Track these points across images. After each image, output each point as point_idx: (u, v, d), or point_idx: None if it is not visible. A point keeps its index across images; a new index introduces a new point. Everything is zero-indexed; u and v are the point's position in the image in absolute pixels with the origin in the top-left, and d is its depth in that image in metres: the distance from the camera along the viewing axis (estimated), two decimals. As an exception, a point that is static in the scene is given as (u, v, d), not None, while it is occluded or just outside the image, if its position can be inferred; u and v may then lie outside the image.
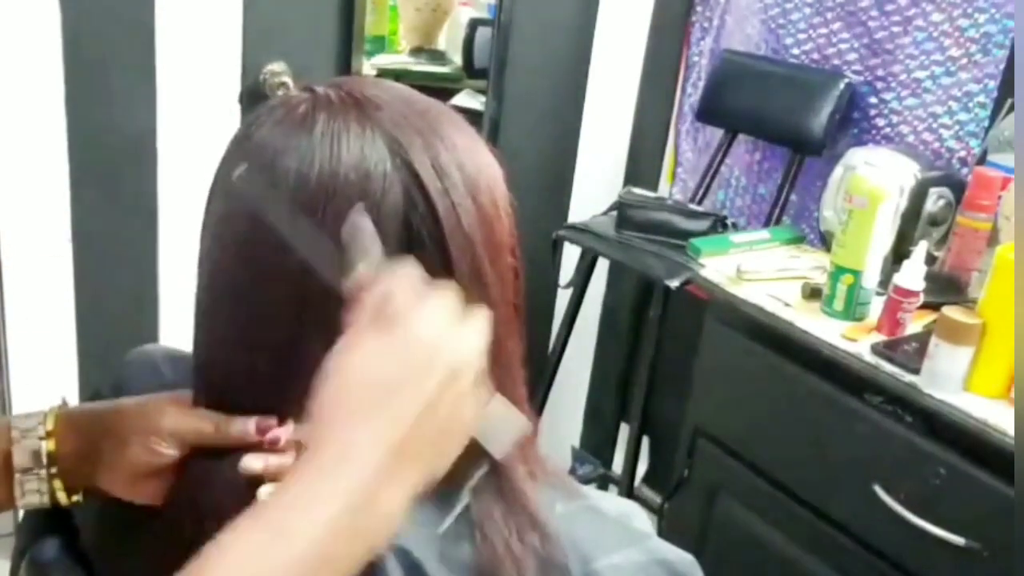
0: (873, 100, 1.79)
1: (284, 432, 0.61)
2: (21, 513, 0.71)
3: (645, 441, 2.15)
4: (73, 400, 1.82)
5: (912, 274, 1.31)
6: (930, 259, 1.40)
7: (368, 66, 2.01)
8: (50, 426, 0.65)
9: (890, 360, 1.27)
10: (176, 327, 1.80)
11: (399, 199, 0.59)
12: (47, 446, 0.64)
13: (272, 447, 0.61)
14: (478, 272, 0.61)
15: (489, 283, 0.62)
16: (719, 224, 1.81)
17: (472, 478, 0.61)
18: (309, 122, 0.60)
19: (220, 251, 0.63)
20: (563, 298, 2.14)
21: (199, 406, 0.64)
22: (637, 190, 1.93)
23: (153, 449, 0.62)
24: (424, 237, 0.59)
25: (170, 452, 0.62)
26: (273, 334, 0.61)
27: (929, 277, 1.33)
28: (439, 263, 0.59)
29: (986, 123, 1.60)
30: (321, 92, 0.62)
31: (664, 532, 1.71)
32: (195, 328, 0.65)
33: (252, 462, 0.60)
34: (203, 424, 0.63)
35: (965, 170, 1.61)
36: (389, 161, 0.59)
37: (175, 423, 0.63)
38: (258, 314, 0.61)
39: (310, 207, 0.58)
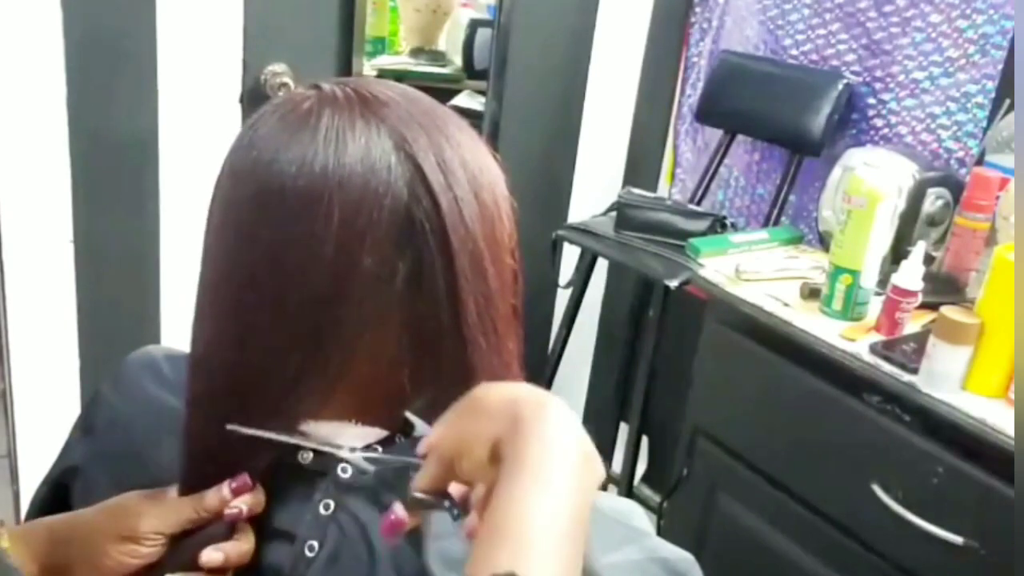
0: (872, 101, 1.79)
1: (244, 501, 0.61)
2: (24, 510, 0.71)
3: (644, 440, 2.15)
4: (74, 402, 1.81)
5: (910, 274, 1.31)
6: (928, 259, 1.41)
7: (368, 67, 2.01)
8: (4, 544, 0.62)
9: (888, 360, 1.28)
10: (177, 327, 1.80)
11: (403, 193, 0.59)
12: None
13: (234, 521, 0.61)
14: (479, 267, 0.61)
15: (489, 279, 0.62)
16: (718, 224, 1.82)
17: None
18: (314, 118, 0.60)
19: (222, 244, 0.63)
20: (563, 298, 2.14)
21: (192, 400, 0.65)
22: (636, 190, 1.94)
23: (137, 551, 0.61)
24: (427, 231, 0.60)
25: (155, 550, 0.61)
26: (274, 328, 0.61)
27: (927, 277, 1.33)
28: (441, 257, 0.60)
29: (984, 124, 1.60)
30: (327, 89, 0.63)
31: (663, 531, 1.72)
32: (194, 322, 0.65)
33: (212, 555, 0.60)
34: (183, 512, 0.62)
35: (963, 170, 1.61)
36: (394, 155, 0.59)
37: (156, 523, 0.61)
38: (259, 308, 0.61)
39: (314, 198, 0.58)
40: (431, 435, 0.56)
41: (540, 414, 0.51)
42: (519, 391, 0.54)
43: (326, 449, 0.62)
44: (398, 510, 0.55)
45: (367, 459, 0.62)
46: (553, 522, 0.47)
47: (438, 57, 2.26)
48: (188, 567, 0.60)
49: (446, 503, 0.55)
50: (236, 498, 0.61)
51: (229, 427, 0.61)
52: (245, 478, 0.62)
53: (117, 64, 1.62)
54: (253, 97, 1.74)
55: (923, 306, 1.33)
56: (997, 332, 1.18)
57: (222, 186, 0.63)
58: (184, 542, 0.62)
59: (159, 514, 0.62)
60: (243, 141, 0.63)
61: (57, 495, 0.76)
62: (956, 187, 1.50)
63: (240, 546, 0.61)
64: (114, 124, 1.65)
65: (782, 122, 1.86)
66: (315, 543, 0.62)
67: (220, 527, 0.62)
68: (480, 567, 0.46)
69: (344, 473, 0.63)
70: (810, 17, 1.88)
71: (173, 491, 0.64)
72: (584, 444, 0.51)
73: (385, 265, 0.59)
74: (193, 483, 0.63)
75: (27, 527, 0.65)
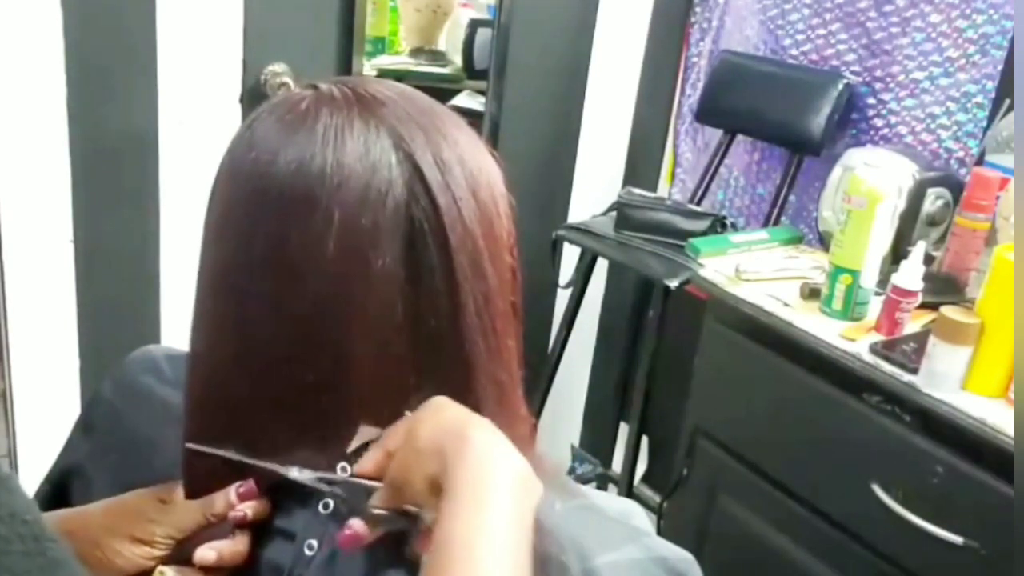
0: (871, 101, 1.79)
1: (249, 506, 0.62)
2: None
3: (644, 440, 2.15)
4: (74, 402, 1.80)
5: (910, 274, 1.31)
6: (928, 259, 1.41)
7: (369, 67, 2.01)
8: None
9: (888, 360, 1.28)
10: (177, 327, 1.80)
11: (402, 192, 0.59)
12: None
13: (241, 524, 0.62)
14: (477, 266, 0.61)
15: (488, 277, 0.62)
16: (718, 224, 1.82)
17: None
18: (311, 118, 0.60)
19: (221, 244, 0.63)
20: (563, 298, 2.14)
21: (192, 399, 0.65)
22: (636, 190, 1.94)
23: (151, 554, 0.62)
24: (425, 230, 0.60)
25: (166, 552, 0.63)
26: (274, 328, 0.61)
27: (927, 277, 1.33)
28: (439, 257, 0.60)
29: (984, 124, 1.60)
30: (324, 88, 0.63)
31: (663, 531, 1.72)
32: (193, 321, 0.65)
33: (206, 553, 0.60)
34: (194, 516, 0.63)
35: (963, 171, 1.61)
36: (392, 155, 0.60)
37: (169, 528, 0.63)
38: (259, 307, 0.61)
39: (313, 199, 0.58)
40: (366, 463, 0.60)
41: (463, 447, 0.54)
42: (444, 424, 0.57)
43: (273, 468, 0.62)
44: (356, 525, 0.58)
45: (321, 479, 0.62)
46: (494, 540, 0.52)
47: (438, 57, 2.26)
48: (184, 563, 0.61)
49: (405, 520, 0.58)
50: (242, 502, 0.62)
51: (189, 446, 0.62)
52: (251, 484, 0.62)
53: (118, 64, 1.62)
54: (253, 97, 1.74)
55: (923, 306, 1.33)
56: (997, 332, 1.18)
57: (220, 186, 0.63)
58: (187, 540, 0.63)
59: (172, 519, 0.63)
60: (241, 141, 0.63)
61: (57, 494, 0.76)
62: (956, 187, 1.50)
63: (235, 546, 0.61)
64: (114, 124, 1.65)
65: (782, 122, 1.86)
66: (314, 542, 0.62)
67: (222, 527, 0.62)
68: None
69: (344, 472, 0.63)
70: (810, 17, 1.88)
71: (179, 489, 0.64)
72: (515, 463, 0.55)
73: (384, 265, 0.59)
74: (197, 483, 0.64)
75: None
